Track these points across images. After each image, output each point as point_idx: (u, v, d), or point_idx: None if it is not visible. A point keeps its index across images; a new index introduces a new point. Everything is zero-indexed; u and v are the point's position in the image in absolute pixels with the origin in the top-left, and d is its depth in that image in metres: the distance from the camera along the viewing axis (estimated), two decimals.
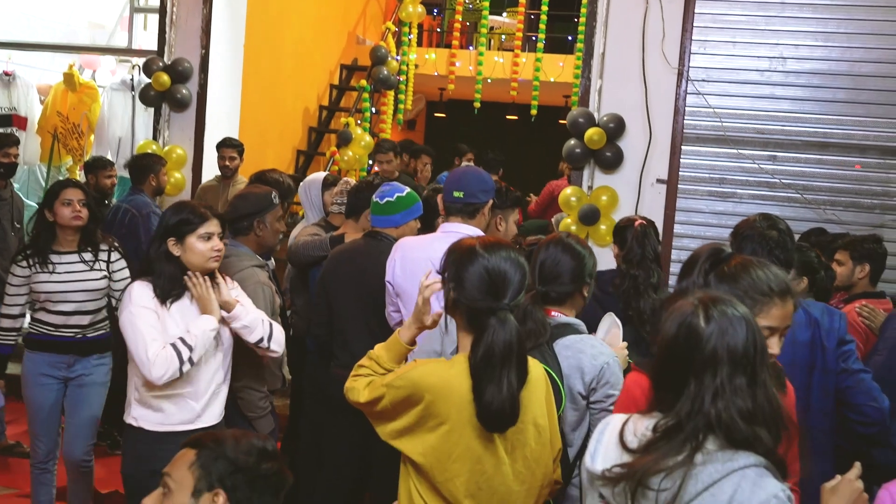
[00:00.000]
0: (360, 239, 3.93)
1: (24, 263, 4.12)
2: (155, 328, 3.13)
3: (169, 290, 3.21)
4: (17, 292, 4.16)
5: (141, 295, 3.19)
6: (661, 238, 4.33)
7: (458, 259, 2.33)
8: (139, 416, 3.26)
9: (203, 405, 3.26)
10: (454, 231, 3.32)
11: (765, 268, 2.20)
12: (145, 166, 5.86)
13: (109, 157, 7.02)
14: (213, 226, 3.24)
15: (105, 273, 4.24)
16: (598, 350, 2.73)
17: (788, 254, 3.02)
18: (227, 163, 6.51)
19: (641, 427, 1.83)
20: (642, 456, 1.77)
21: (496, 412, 2.20)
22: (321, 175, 5.04)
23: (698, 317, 1.80)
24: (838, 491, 1.84)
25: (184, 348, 3.11)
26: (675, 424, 1.76)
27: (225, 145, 6.55)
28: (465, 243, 2.39)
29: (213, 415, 3.32)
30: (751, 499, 1.67)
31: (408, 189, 3.86)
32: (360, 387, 2.40)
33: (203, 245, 3.21)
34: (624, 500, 1.79)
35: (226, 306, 3.26)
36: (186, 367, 3.12)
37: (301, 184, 5.15)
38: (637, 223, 4.04)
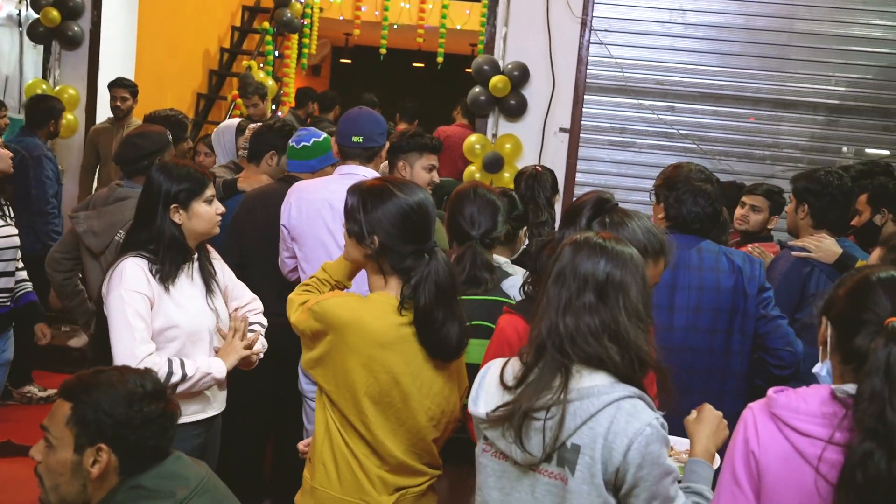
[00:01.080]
0: (273, 184, 3.87)
1: None
2: (146, 320, 2.70)
3: (174, 266, 2.81)
4: None
5: (135, 276, 2.72)
6: (562, 186, 4.51)
7: (375, 203, 2.30)
8: None
9: (214, 390, 2.91)
10: (351, 173, 3.29)
11: (643, 223, 2.28)
12: (47, 110, 5.65)
13: None
14: (212, 187, 2.92)
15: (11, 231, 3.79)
16: None
17: (718, 204, 3.21)
18: (119, 103, 6.29)
19: (518, 367, 1.89)
20: (522, 391, 1.83)
21: (456, 344, 2.29)
22: (235, 121, 4.98)
23: (568, 244, 1.90)
24: (702, 420, 2.00)
25: (178, 371, 2.69)
26: (539, 344, 1.85)
27: (117, 85, 6.33)
28: (373, 186, 2.36)
29: (222, 399, 2.98)
30: (626, 429, 1.75)
31: (324, 134, 3.82)
32: (296, 302, 2.41)
33: (208, 209, 2.86)
34: (510, 439, 1.83)
35: (246, 365, 2.96)
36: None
37: (215, 129, 5.10)
38: (532, 168, 4.25)
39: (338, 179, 3.35)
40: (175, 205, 2.80)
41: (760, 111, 5.81)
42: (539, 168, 4.36)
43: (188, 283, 2.86)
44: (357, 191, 2.36)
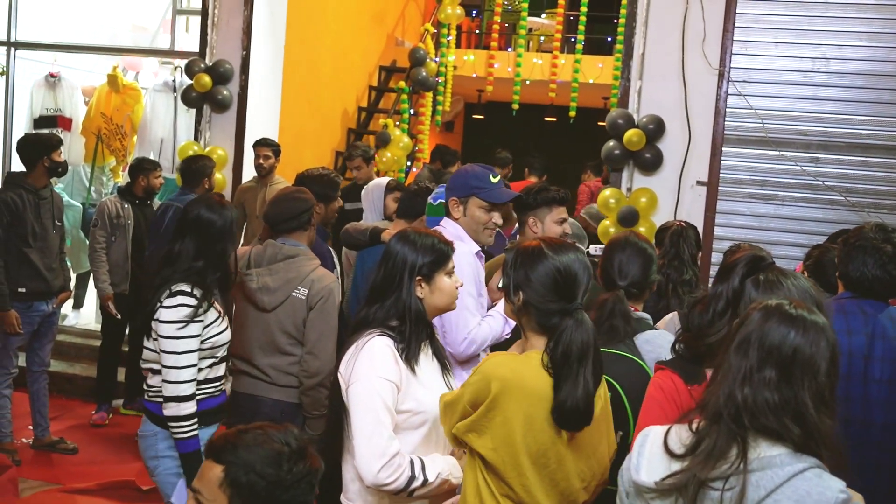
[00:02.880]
0: None
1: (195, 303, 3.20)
2: (392, 413, 2.51)
3: (418, 344, 2.62)
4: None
5: (385, 359, 2.52)
6: (701, 240, 4.39)
7: (525, 261, 2.35)
8: None
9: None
10: (440, 226, 3.46)
11: (799, 282, 2.19)
12: (199, 169, 5.93)
13: (152, 157, 7.12)
14: (453, 259, 2.76)
15: None
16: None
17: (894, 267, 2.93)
18: (262, 161, 6.56)
19: (685, 434, 1.82)
20: (694, 458, 1.76)
21: (570, 410, 2.22)
22: (385, 180, 5.12)
23: (757, 309, 1.81)
24: None
25: (419, 476, 2.49)
26: (714, 412, 1.77)
27: (260, 144, 6.61)
28: (529, 245, 2.40)
29: None
30: (819, 501, 1.65)
31: None
32: (443, 400, 2.45)
33: (450, 282, 2.71)
34: None
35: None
36: (403, 494, 2.50)
37: (364, 187, 5.25)
38: (676, 224, 4.14)
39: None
40: (419, 277, 2.65)
41: None
42: (683, 224, 4.23)
43: (427, 361, 2.67)
44: (514, 249, 2.42)
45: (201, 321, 3.18)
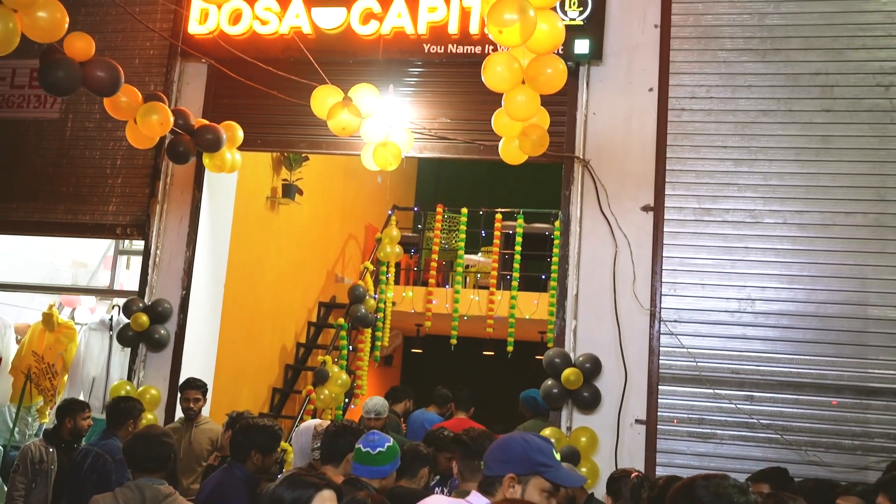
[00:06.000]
0: (343, 484, 3.82)
1: None
2: None
3: None
4: None
5: None
6: None
7: None
8: None
9: None
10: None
11: None
12: (125, 410, 5.71)
13: (82, 396, 6.92)
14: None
15: None
16: None
17: None
18: (192, 405, 6.41)
19: None
20: None
21: None
22: (313, 423, 5.01)
23: None
24: None
25: None
26: None
27: (188, 387, 6.45)
28: None
29: None
30: None
31: (391, 438, 3.86)
32: None
33: None
34: None
35: None
36: None
37: (295, 430, 5.15)
38: (633, 475, 4.08)
39: None
40: None
41: (844, 398, 5.63)
42: (639, 474, 4.15)
43: None
44: None
45: None
